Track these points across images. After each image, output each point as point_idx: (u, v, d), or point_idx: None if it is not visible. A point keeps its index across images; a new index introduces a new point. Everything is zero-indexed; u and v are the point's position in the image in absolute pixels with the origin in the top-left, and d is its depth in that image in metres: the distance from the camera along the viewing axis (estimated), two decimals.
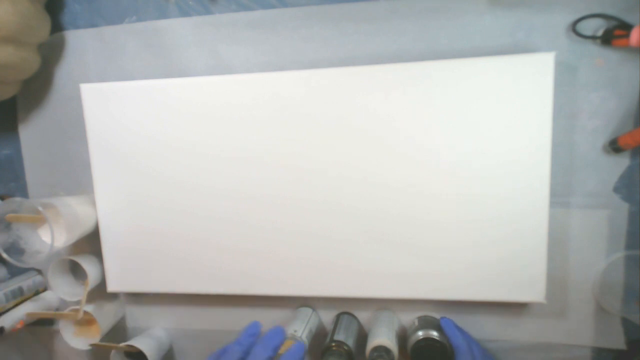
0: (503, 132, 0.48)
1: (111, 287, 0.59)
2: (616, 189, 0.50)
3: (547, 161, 0.47)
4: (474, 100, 0.48)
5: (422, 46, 0.51)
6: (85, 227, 0.56)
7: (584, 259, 0.52)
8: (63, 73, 0.59)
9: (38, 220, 0.54)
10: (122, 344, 0.57)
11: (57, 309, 0.64)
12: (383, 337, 0.49)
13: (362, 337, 0.56)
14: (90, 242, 0.60)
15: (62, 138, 0.61)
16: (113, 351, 0.58)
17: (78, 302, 0.57)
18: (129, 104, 0.54)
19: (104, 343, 0.57)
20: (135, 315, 0.64)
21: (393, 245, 0.51)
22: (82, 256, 0.59)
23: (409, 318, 0.56)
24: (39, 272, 0.65)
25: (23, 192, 0.63)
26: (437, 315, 0.55)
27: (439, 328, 0.52)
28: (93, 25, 0.57)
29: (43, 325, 0.66)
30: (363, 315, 0.58)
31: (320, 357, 0.50)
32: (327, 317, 0.59)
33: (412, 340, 0.51)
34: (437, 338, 0.50)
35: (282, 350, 0.42)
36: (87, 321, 0.61)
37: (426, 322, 0.54)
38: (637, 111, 0.48)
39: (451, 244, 0.50)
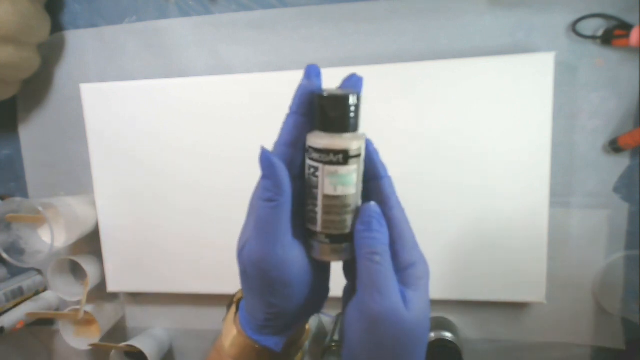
0: (503, 132, 0.48)
1: (111, 287, 0.59)
2: (616, 189, 0.50)
3: (547, 161, 0.47)
4: (474, 100, 0.48)
5: (422, 46, 0.51)
6: (85, 227, 0.56)
7: (584, 259, 0.52)
8: (63, 73, 0.59)
9: (38, 220, 0.54)
10: (122, 344, 0.57)
11: (57, 309, 0.64)
12: None
13: None
14: (90, 242, 0.60)
15: (62, 138, 0.61)
16: (113, 351, 0.58)
17: (78, 302, 0.57)
18: (129, 104, 0.54)
19: (104, 343, 0.57)
20: (135, 315, 0.64)
21: None
22: (82, 256, 0.59)
23: None
24: (39, 272, 0.65)
25: (23, 192, 0.63)
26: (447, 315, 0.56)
27: (450, 328, 0.52)
28: (93, 25, 0.57)
29: (43, 325, 0.66)
30: None
31: (320, 357, 0.50)
32: (327, 317, 0.59)
33: None
34: (450, 339, 0.50)
35: None
36: (87, 321, 0.61)
37: (437, 323, 0.54)
38: (637, 111, 0.48)
39: (451, 244, 0.50)
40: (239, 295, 0.30)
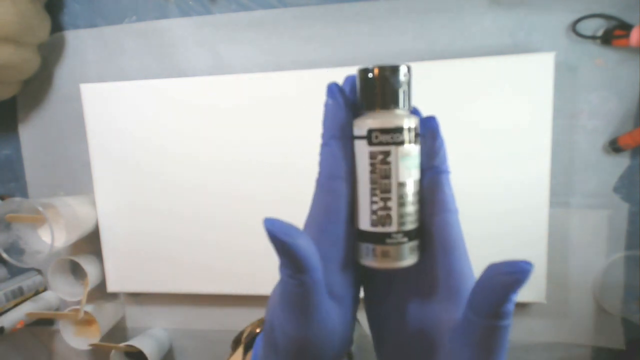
0: (503, 132, 0.48)
1: (111, 287, 0.59)
2: (616, 189, 0.50)
3: (547, 161, 0.47)
4: (473, 100, 0.48)
5: (422, 46, 0.51)
6: (85, 227, 0.56)
7: (584, 259, 0.52)
8: (63, 73, 0.59)
9: (38, 220, 0.54)
10: (122, 344, 0.56)
11: (57, 309, 0.64)
12: None
13: (362, 337, 0.55)
14: (90, 242, 0.60)
15: (62, 138, 0.60)
16: (113, 351, 0.57)
17: (78, 302, 0.57)
18: (128, 104, 0.54)
19: (104, 343, 0.57)
20: (135, 315, 0.64)
21: None
22: (82, 256, 0.59)
23: None
24: (39, 272, 0.65)
25: (23, 192, 0.63)
26: None
27: None
28: (93, 25, 0.57)
29: (43, 325, 0.66)
30: (363, 315, 0.58)
31: None
32: None
33: None
34: None
35: None
36: (87, 321, 0.61)
37: None
38: (637, 111, 0.48)
39: None
40: (248, 333, 0.25)
